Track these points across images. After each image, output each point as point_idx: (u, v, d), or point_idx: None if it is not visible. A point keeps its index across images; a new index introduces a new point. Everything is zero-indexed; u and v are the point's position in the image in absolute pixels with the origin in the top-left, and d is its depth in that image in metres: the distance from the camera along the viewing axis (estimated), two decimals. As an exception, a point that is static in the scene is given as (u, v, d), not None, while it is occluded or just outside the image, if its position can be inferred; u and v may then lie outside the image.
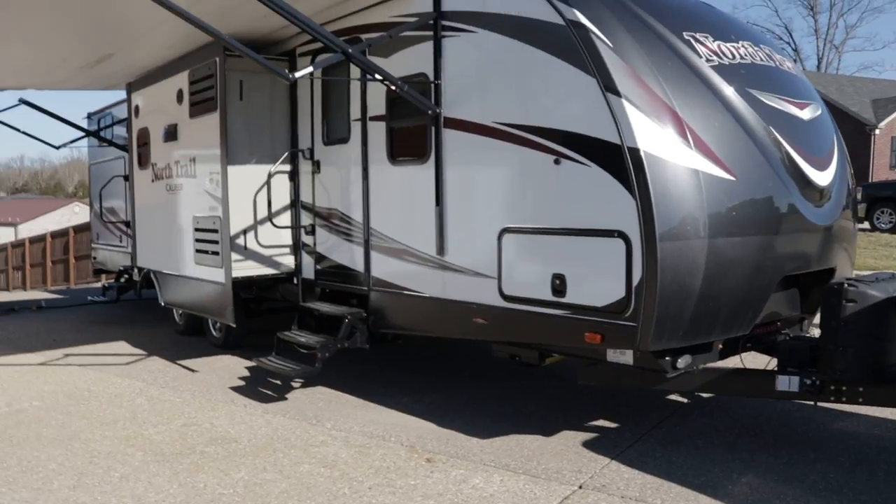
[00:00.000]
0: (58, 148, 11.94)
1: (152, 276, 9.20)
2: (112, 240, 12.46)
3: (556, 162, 4.96)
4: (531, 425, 6.04)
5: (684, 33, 5.06)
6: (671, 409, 6.41)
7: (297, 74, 5.32)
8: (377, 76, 5.53)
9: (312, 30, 5.19)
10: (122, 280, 12.15)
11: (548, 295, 5.08)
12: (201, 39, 7.38)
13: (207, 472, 5.24)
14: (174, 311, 10.29)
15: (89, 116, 13.14)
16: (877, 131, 34.06)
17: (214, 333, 9.39)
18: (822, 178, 5.32)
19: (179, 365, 8.50)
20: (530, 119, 5.13)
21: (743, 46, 5.35)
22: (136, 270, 9.58)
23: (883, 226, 19.35)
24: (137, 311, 12.71)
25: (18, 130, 10.62)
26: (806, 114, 5.45)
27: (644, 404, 6.52)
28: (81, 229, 23.19)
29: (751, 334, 5.27)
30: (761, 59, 5.43)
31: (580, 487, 4.84)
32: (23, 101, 10.12)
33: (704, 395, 6.71)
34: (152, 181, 8.94)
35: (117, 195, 11.94)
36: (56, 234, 24.34)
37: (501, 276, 5.40)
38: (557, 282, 5.01)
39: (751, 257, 4.83)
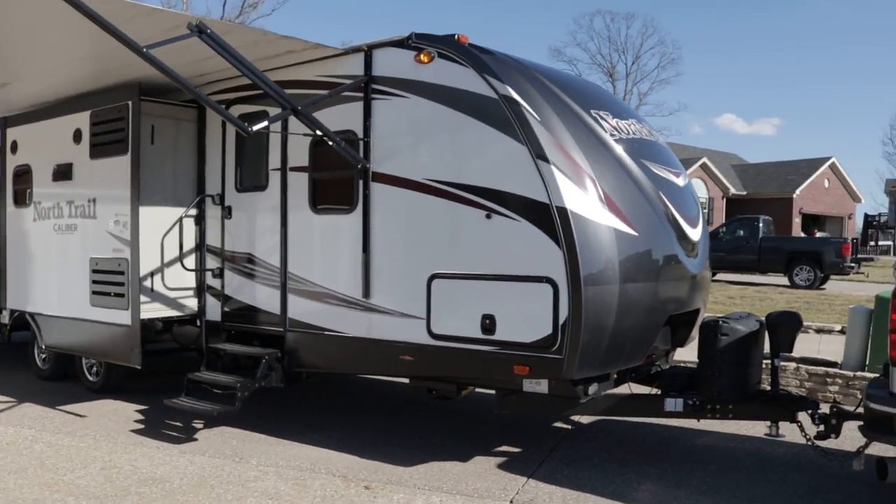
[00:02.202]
0: None
1: (29, 318, 8.86)
2: (-49, 280, 11.63)
3: (488, 216, 5.68)
4: (445, 453, 6.63)
5: (591, 110, 6.01)
6: (561, 434, 7.25)
7: (256, 128, 5.68)
8: (318, 132, 6.02)
9: (267, 85, 5.62)
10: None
11: (477, 333, 5.75)
12: (108, 80, 7.46)
13: (152, 510, 5.36)
14: (36, 354, 9.84)
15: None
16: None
17: (90, 377, 9.14)
18: (694, 234, 6.44)
19: (62, 410, 8.24)
20: (462, 178, 5.83)
21: (632, 123, 6.40)
22: (4, 313, 9.15)
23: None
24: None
25: None
26: (680, 181, 6.59)
27: (536, 431, 7.32)
28: None
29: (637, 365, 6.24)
30: (646, 135, 6.52)
31: (511, 502, 5.51)
32: None
33: (585, 421, 7.65)
34: (34, 220, 8.68)
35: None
36: None
37: (431, 316, 6.00)
38: (487, 321, 5.70)
39: (648, 299, 5.80)
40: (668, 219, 6.09)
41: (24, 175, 8.90)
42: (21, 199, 8.95)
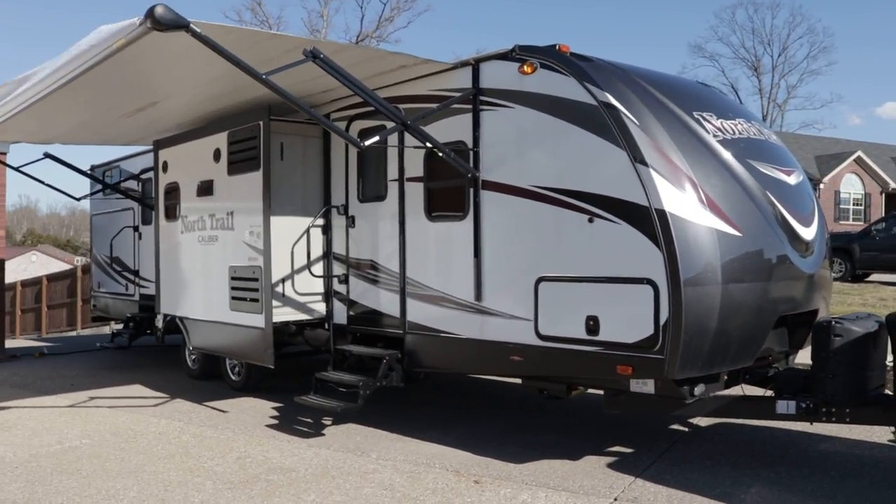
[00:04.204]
0: (79, 200, 12.47)
1: (179, 322, 9.75)
2: (117, 288, 12.92)
3: (590, 220, 5.82)
4: (556, 451, 6.79)
5: (693, 112, 6.03)
6: (676, 437, 7.23)
7: (367, 143, 6.10)
8: (428, 144, 6.36)
9: (377, 103, 6.02)
10: (130, 326, 12.58)
11: (582, 334, 5.89)
12: (241, 97, 8.11)
13: (280, 496, 5.85)
14: (187, 356, 10.80)
15: (92, 169, 13.65)
16: (821, 186, 36.29)
17: (233, 377, 9.93)
18: (808, 233, 6.30)
19: (207, 406, 9.03)
20: (565, 183, 6.00)
21: (739, 123, 6.35)
22: (159, 317, 10.11)
23: (834, 274, 20.75)
24: (139, 357, 13.12)
25: (43, 183, 11.13)
26: (792, 179, 6.46)
27: (651, 433, 7.34)
28: (55, 278, 23.32)
29: (749, 367, 6.16)
30: (754, 134, 6.44)
31: (615, 500, 5.61)
32: (47, 155, 10.66)
33: (703, 424, 7.58)
34: (181, 233, 9.56)
35: (126, 246, 12.47)
36: (27, 283, 24.36)
37: (538, 318, 6.20)
38: (591, 322, 5.83)
39: (754, 300, 5.74)
40: (777, 219, 6.00)
41: (173, 192, 9.81)
42: (171, 213, 9.87)
